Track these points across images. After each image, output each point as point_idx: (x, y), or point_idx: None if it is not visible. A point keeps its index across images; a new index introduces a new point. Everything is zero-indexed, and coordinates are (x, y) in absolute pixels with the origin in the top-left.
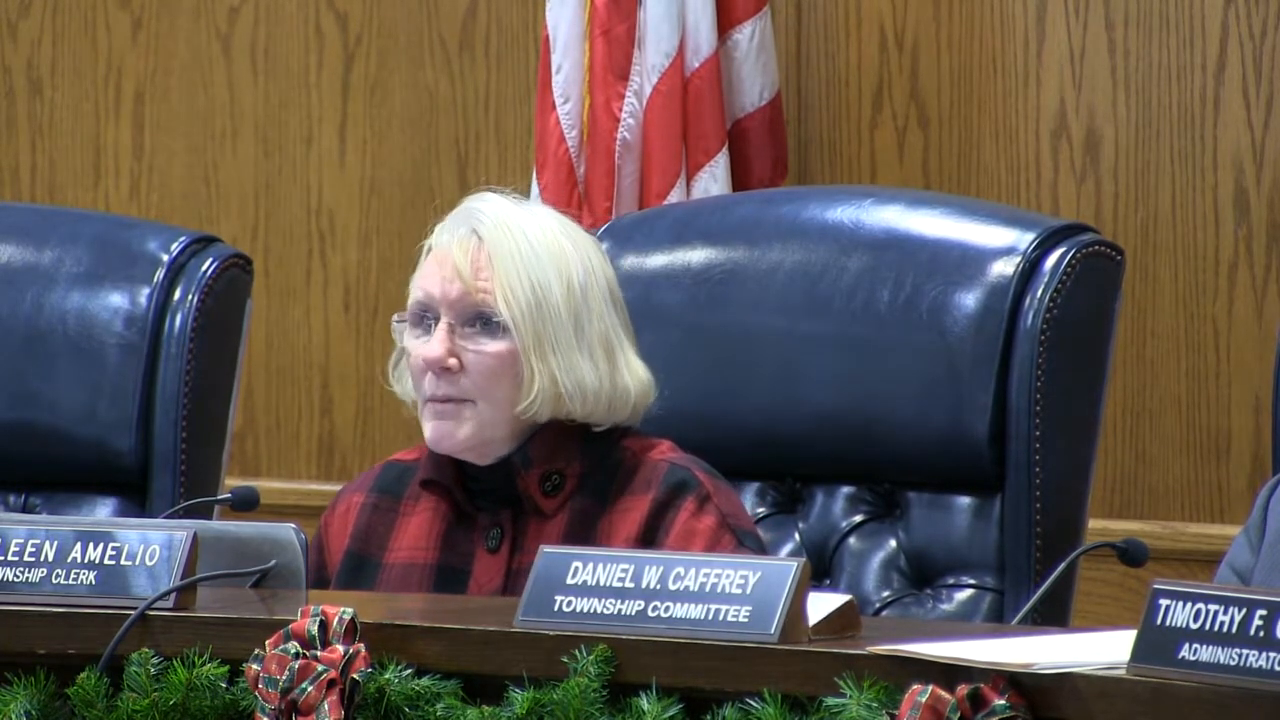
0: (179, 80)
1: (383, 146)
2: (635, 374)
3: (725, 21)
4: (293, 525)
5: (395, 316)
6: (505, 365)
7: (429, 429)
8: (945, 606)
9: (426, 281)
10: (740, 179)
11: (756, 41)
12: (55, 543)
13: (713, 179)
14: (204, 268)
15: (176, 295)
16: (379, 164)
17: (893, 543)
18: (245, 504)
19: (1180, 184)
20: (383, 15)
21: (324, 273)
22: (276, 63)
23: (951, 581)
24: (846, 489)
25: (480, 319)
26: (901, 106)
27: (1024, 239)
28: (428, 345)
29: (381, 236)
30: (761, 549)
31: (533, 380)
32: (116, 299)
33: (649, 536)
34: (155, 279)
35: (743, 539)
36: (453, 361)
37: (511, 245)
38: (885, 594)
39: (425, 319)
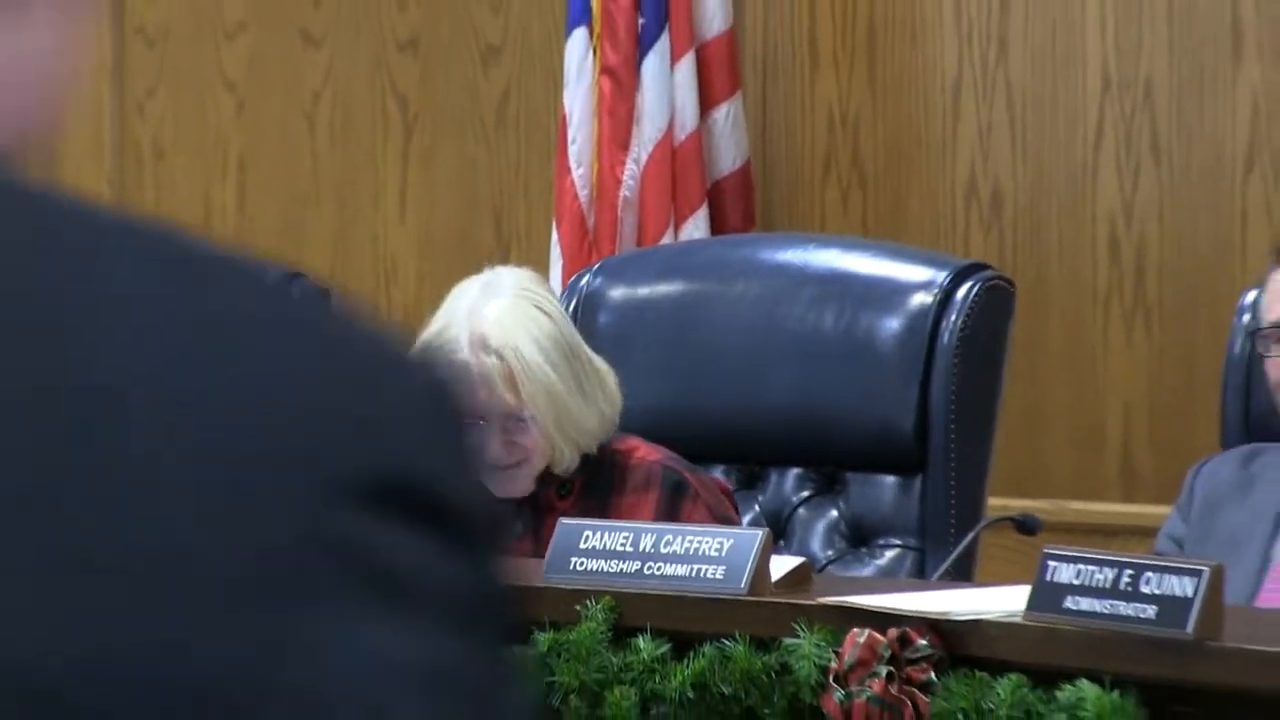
0: (273, 150)
1: (435, 205)
2: (610, 394)
3: (706, 103)
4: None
5: None
6: (539, 448)
7: (492, 485)
8: (878, 563)
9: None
10: (717, 229)
11: (731, 119)
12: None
13: (695, 228)
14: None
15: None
16: (432, 219)
17: (834, 513)
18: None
19: (1066, 233)
20: (435, 98)
21: (388, 306)
22: (350, 136)
23: (882, 543)
24: (796, 470)
25: (515, 419)
26: (845, 172)
27: (940, 275)
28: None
29: (433, 278)
30: (736, 521)
31: (562, 451)
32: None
33: None
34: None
35: (724, 523)
36: (511, 458)
37: (527, 357)
38: (829, 553)
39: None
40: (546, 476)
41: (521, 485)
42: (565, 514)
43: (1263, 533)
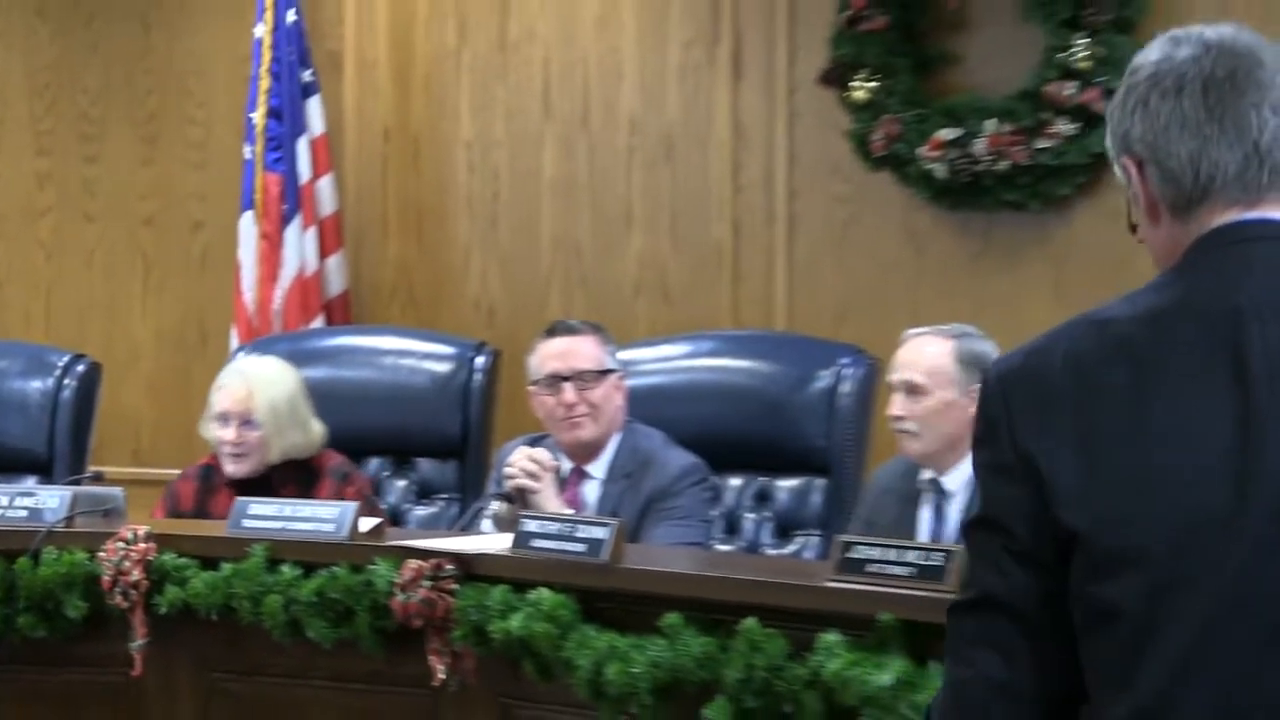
0: None
1: (167, 313)
2: (312, 430)
3: (323, 254)
4: (120, 488)
5: (214, 411)
6: (262, 439)
7: (228, 464)
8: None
9: (225, 404)
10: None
11: (337, 265)
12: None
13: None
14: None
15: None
16: (166, 323)
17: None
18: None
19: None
20: (168, 252)
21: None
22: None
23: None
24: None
25: (246, 421)
26: (404, 297)
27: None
28: (228, 433)
29: (169, 361)
30: (376, 500)
31: (275, 449)
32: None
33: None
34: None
35: (369, 500)
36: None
37: (258, 383)
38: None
39: (228, 419)
40: (277, 469)
41: (247, 469)
42: (285, 495)
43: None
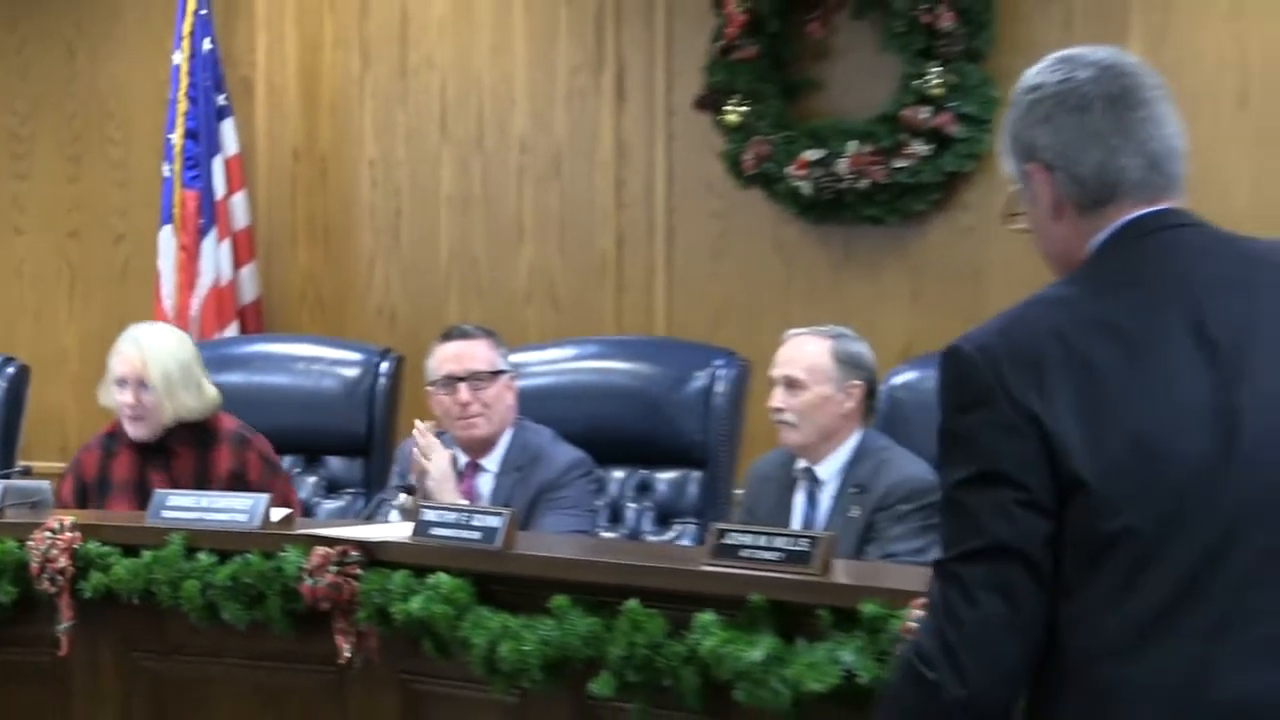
0: None
1: (92, 319)
2: (207, 393)
3: (237, 265)
4: (47, 481)
5: (113, 377)
6: (155, 405)
7: (128, 425)
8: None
9: (122, 369)
10: (243, 333)
11: (250, 274)
12: None
13: (230, 333)
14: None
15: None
16: (90, 327)
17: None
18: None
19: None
20: (92, 263)
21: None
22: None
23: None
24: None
25: (141, 384)
26: (312, 302)
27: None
28: (125, 396)
29: (96, 363)
30: (277, 461)
31: (169, 410)
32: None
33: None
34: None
35: (270, 462)
36: (137, 411)
37: (150, 350)
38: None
39: (124, 383)
40: (173, 431)
41: (146, 431)
42: (184, 457)
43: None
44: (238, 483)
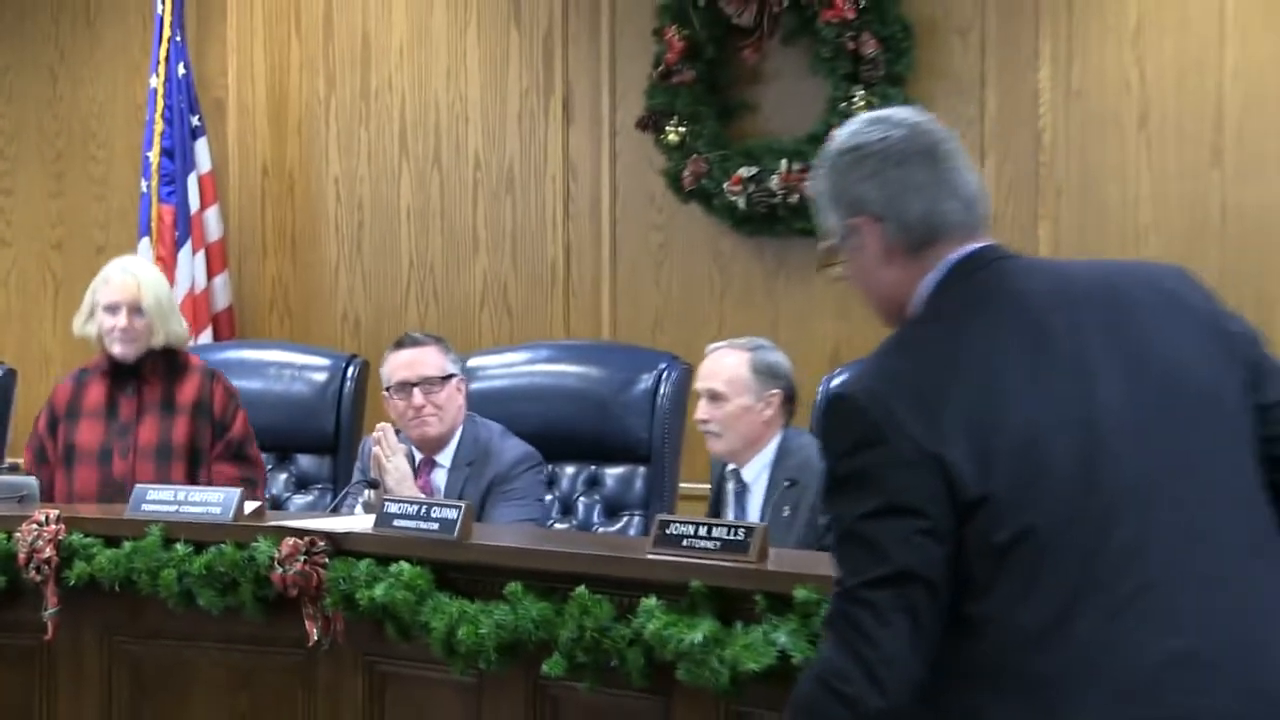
0: None
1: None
2: (181, 322)
3: (210, 275)
4: (34, 477)
5: (103, 304)
6: (149, 325)
7: (117, 347)
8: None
9: (115, 296)
10: (216, 340)
11: (223, 284)
12: None
13: (205, 339)
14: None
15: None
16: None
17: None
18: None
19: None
20: (76, 266)
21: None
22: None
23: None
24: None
25: (136, 309)
26: (281, 310)
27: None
28: (119, 320)
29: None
30: (235, 394)
31: (160, 334)
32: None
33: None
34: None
35: (233, 393)
36: (131, 334)
37: (144, 277)
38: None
39: (118, 308)
40: (147, 358)
41: (134, 351)
42: (153, 384)
43: None
44: (201, 411)
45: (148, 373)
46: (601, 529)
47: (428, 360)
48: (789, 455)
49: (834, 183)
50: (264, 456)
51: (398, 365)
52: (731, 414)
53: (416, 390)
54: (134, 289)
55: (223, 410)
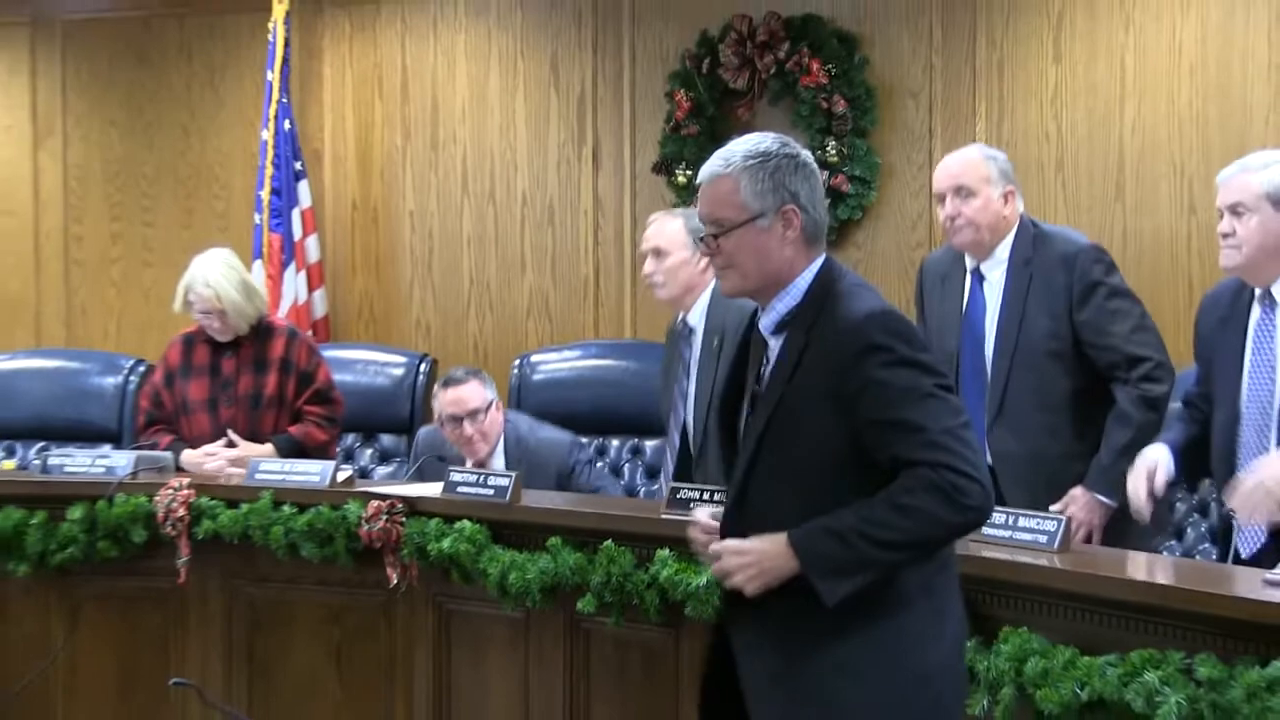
0: None
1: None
2: (260, 299)
3: (310, 290)
4: (169, 453)
5: (195, 309)
6: (233, 322)
7: (215, 334)
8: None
9: (202, 307)
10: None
11: (322, 298)
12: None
13: None
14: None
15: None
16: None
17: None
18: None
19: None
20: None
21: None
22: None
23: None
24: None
25: (221, 314)
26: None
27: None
28: (211, 322)
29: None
30: (319, 354)
31: (240, 325)
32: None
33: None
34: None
35: (315, 352)
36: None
37: (217, 282)
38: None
39: (209, 314)
40: (241, 336)
41: (227, 337)
42: (247, 346)
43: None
44: (287, 366)
45: (242, 339)
46: (643, 488)
47: (471, 395)
48: (719, 300)
49: (770, 176)
50: (353, 436)
51: (446, 402)
52: (672, 267)
53: (465, 423)
54: (213, 300)
55: (307, 363)
